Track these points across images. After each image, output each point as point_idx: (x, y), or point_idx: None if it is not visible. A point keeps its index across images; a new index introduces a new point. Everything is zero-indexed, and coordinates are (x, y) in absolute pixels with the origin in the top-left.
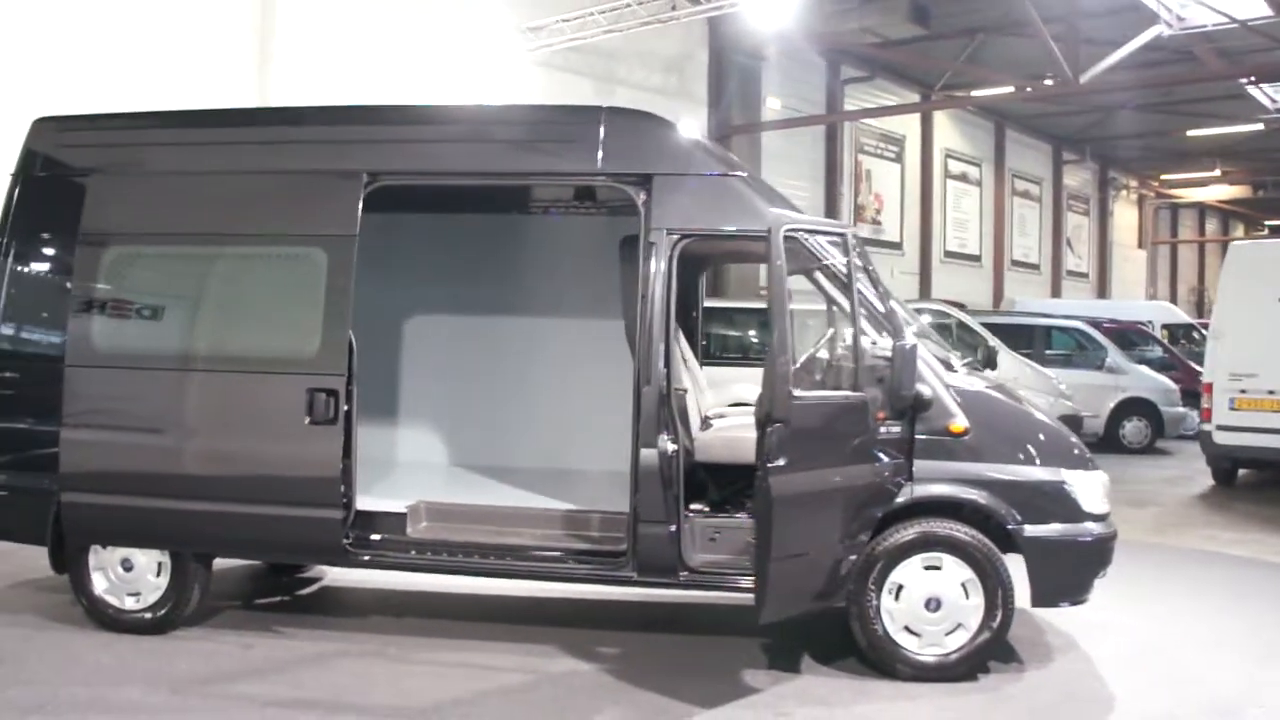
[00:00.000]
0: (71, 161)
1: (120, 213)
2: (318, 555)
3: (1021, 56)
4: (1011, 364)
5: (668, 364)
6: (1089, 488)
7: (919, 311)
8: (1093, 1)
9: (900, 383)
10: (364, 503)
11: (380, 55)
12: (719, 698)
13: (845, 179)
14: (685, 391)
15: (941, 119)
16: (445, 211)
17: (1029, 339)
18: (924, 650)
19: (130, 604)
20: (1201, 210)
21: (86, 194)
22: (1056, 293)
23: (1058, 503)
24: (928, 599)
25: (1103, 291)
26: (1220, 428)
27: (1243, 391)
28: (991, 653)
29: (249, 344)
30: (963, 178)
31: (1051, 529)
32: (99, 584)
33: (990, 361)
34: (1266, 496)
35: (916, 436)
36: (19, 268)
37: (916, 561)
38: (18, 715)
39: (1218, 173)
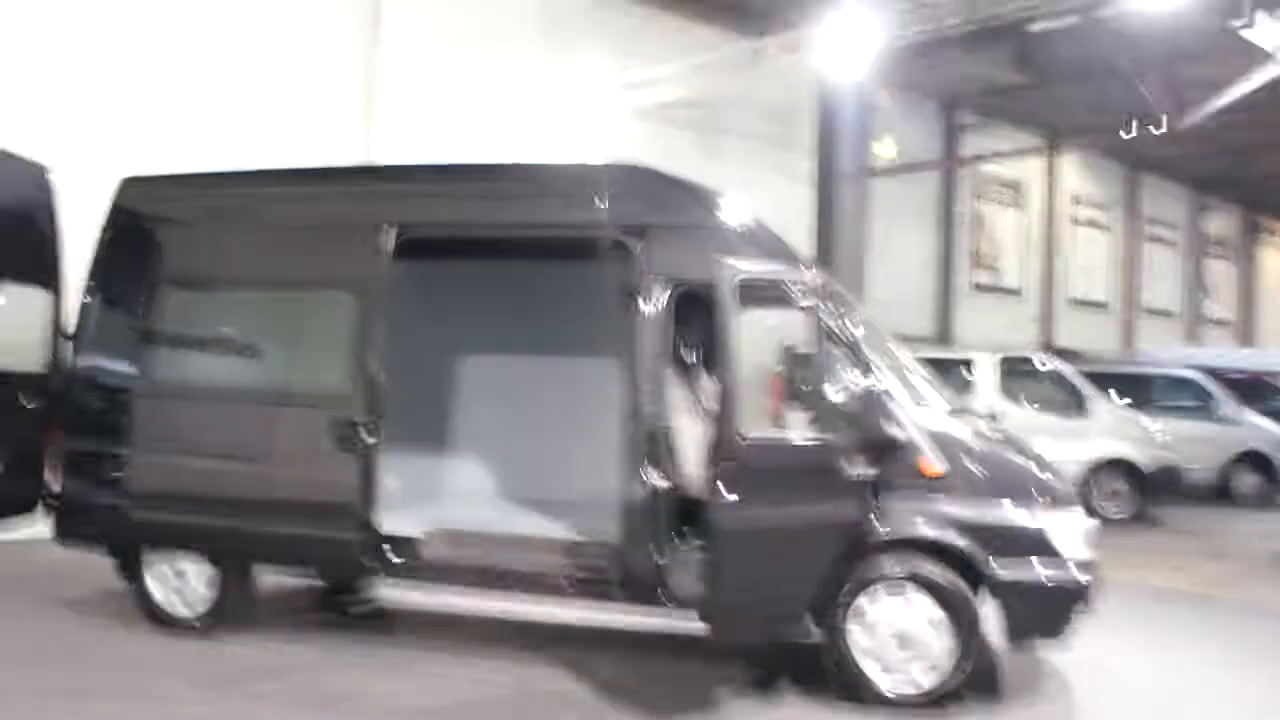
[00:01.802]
0: (150, 215)
1: (187, 261)
2: (342, 570)
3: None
4: (1106, 412)
5: (656, 402)
6: (1066, 530)
7: (1009, 360)
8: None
9: (868, 425)
10: (389, 526)
11: (480, 108)
12: (681, 716)
13: (963, 225)
14: (674, 429)
15: (1068, 164)
16: (472, 259)
17: (1138, 388)
18: (894, 686)
19: (182, 610)
20: None
21: (160, 244)
22: (1193, 340)
23: (1032, 545)
24: (898, 635)
25: (1247, 340)
26: None
27: None
28: (961, 688)
29: (290, 379)
30: (1091, 223)
31: (1025, 571)
32: (155, 590)
33: (1081, 408)
34: None
35: (890, 478)
36: (103, 307)
37: (888, 599)
38: (60, 697)
39: None
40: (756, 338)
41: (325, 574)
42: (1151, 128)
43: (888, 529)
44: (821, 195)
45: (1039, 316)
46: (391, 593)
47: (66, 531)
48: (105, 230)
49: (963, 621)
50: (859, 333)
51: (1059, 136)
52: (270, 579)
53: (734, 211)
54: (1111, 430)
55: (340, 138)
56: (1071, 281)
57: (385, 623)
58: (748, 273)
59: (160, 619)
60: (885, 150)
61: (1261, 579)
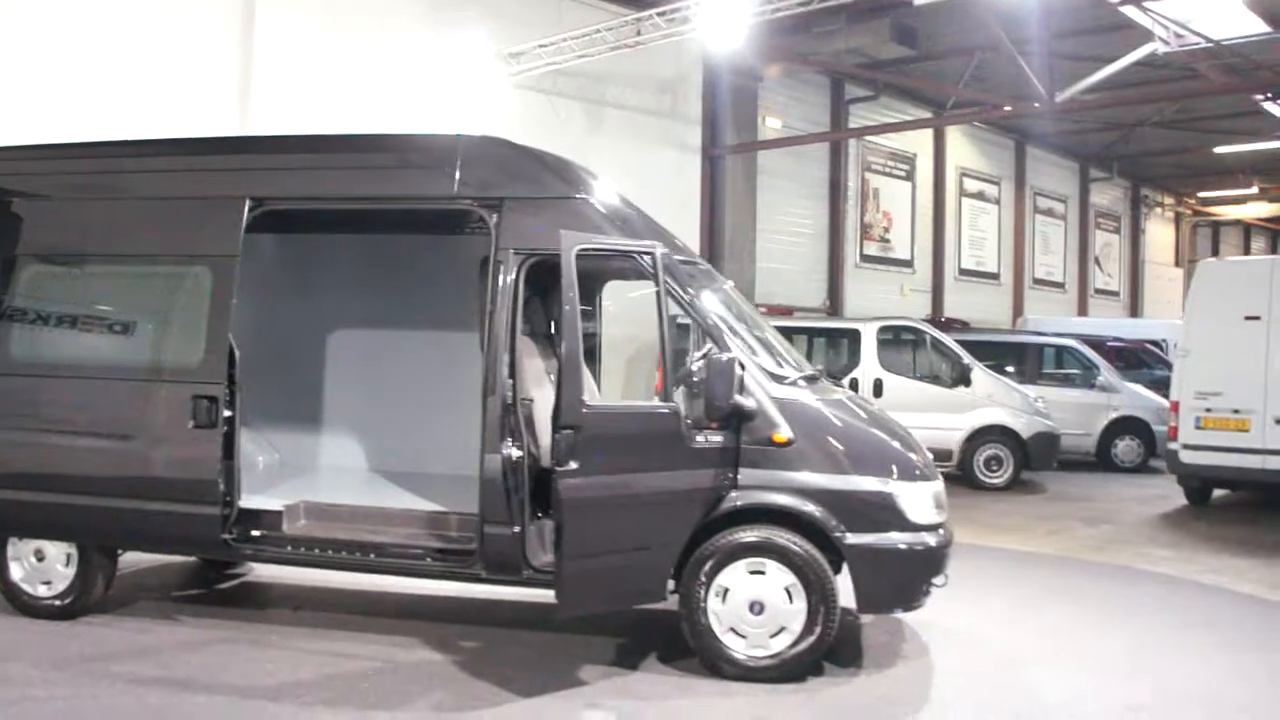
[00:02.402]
0: (3, 188)
1: (42, 234)
2: (202, 548)
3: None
4: (985, 381)
5: (512, 374)
6: (916, 498)
7: (888, 329)
8: (1082, 21)
9: (714, 393)
10: (250, 501)
11: (360, 84)
12: (542, 689)
13: (850, 197)
14: (532, 401)
15: (956, 138)
16: (330, 232)
17: (1020, 357)
18: (749, 651)
19: (43, 591)
20: (1247, 229)
21: (14, 216)
22: (1083, 311)
23: (882, 512)
24: (751, 602)
25: (1135, 310)
26: (1187, 446)
27: (1208, 410)
28: (819, 655)
29: (142, 354)
30: (980, 195)
31: (874, 537)
32: (15, 572)
33: (963, 378)
34: (1231, 517)
35: (742, 446)
36: None
37: (741, 566)
38: None
39: (1255, 190)
40: (640, 314)
41: (186, 551)
42: (1034, 103)
43: (739, 497)
44: (708, 167)
45: (929, 288)
46: (263, 569)
47: None
48: None
49: (814, 587)
50: (709, 304)
51: (945, 110)
52: (141, 557)
53: (589, 185)
54: (990, 398)
55: (215, 115)
56: (962, 253)
57: (254, 599)
58: (587, 243)
59: (21, 602)
60: (772, 123)
61: (1132, 543)
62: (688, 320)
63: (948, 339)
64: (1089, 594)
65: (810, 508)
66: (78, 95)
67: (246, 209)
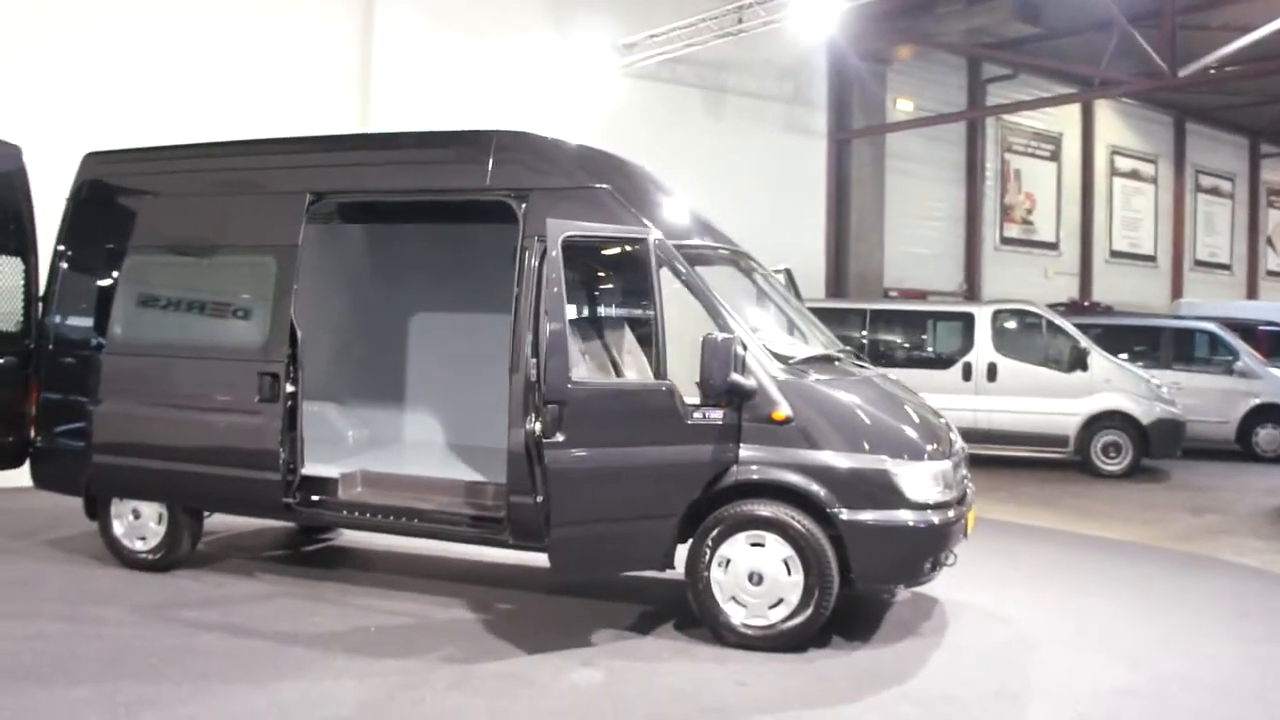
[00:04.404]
0: (108, 186)
1: (138, 228)
2: (268, 511)
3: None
4: (1103, 365)
5: (535, 353)
6: (916, 477)
7: (1003, 313)
8: None
9: (709, 372)
10: (313, 469)
11: (476, 79)
12: (548, 647)
13: (989, 179)
14: None
15: (1107, 115)
16: (392, 222)
17: (1155, 341)
18: (749, 620)
19: (139, 545)
20: None
21: (116, 212)
22: (1252, 294)
23: (879, 489)
24: (751, 573)
25: None
26: None
27: None
28: (816, 626)
29: (218, 335)
30: (1133, 174)
31: (871, 514)
32: (117, 528)
33: (1080, 362)
34: None
35: (743, 423)
36: (68, 274)
37: (742, 538)
38: (5, 619)
39: None
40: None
41: (254, 513)
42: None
43: (739, 472)
44: (834, 152)
45: (1077, 271)
46: (348, 535)
47: (40, 479)
48: (70, 201)
49: (811, 561)
50: (713, 287)
51: (1090, 88)
52: (241, 521)
53: (615, 175)
54: (1108, 383)
55: (337, 113)
56: (1114, 235)
57: (331, 561)
58: (575, 231)
59: (122, 555)
60: (904, 106)
61: (1231, 534)
62: None
63: (1065, 322)
64: (1146, 582)
65: (807, 483)
66: (208, 98)
67: (306, 202)
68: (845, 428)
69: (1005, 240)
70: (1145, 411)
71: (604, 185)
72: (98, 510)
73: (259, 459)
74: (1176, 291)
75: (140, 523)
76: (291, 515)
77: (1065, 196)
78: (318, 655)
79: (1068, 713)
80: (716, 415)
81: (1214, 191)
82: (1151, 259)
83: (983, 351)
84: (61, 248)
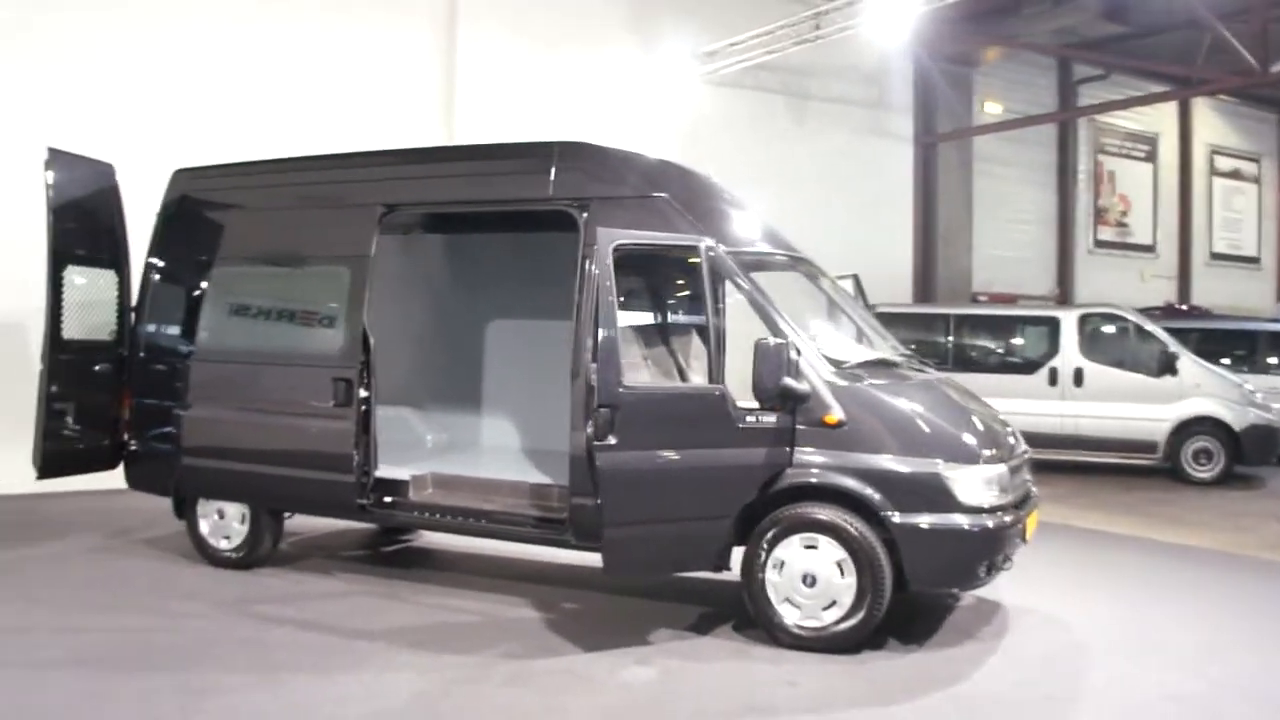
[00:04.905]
0: (195, 201)
1: (222, 240)
2: (343, 512)
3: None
4: (1193, 369)
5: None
6: (969, 481)
7: (1090, 316)
8: None
9: (761, 376)
10: (386, 471)
11: (558, 90)
12: (606, 645)
13: (1081, 181)
14: None
15: (1205, 115)
16: (471, 233)
17: (1252, 345)
18: (803, 621)
19: (223, 544)
20: None
21: (202, 226)
22: None
23: (931, 493)
24: (805, 575)
25: None
26: None
27: None
28: (870, 628)
29: (297, 342)
30: (1235, 174)
31: (923, 517)
32: (203, 528)
33: (1169, 367)
34: None
35: (797, 427)
36: (158, 285)
37: (796, 540)
38: (92, 609)
39: None
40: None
41: (330, 514)
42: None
43: (793, 475)
44: (920, 155)
45: (1175, 273)
46: (428, 537)
47: (133, 480)
48: (160, 215)
49: (864, 564)
50: (769, 294)
51: (1185, 86)
52: (325, 523)
53: (673, 184)
54: (1198, 388)
55: (422, 126)
56: (1214, 236)
57: (408, 561)
58: (626, 239)
59: (207, 553)
60: (992, 108)
61: None
62: None
63: (1153, 326)
64: (1222, 589)
65: (860, 487)
66: (295, 113)
67: (379, 214)
68: (899, 431)
69: (1099, 243)
70: (1238, 417)
71: (662, 194)
72: (185, 511)
73: (334, 461)
74: None
75: (224, 522)
76: (366, 516)
77: (1162, 198)
78: (382, 649)
79: (1114, 717)
80: (770, 419)
81: None
82: (1255, 261)
83: (1069, 356)
84: (152, 260)
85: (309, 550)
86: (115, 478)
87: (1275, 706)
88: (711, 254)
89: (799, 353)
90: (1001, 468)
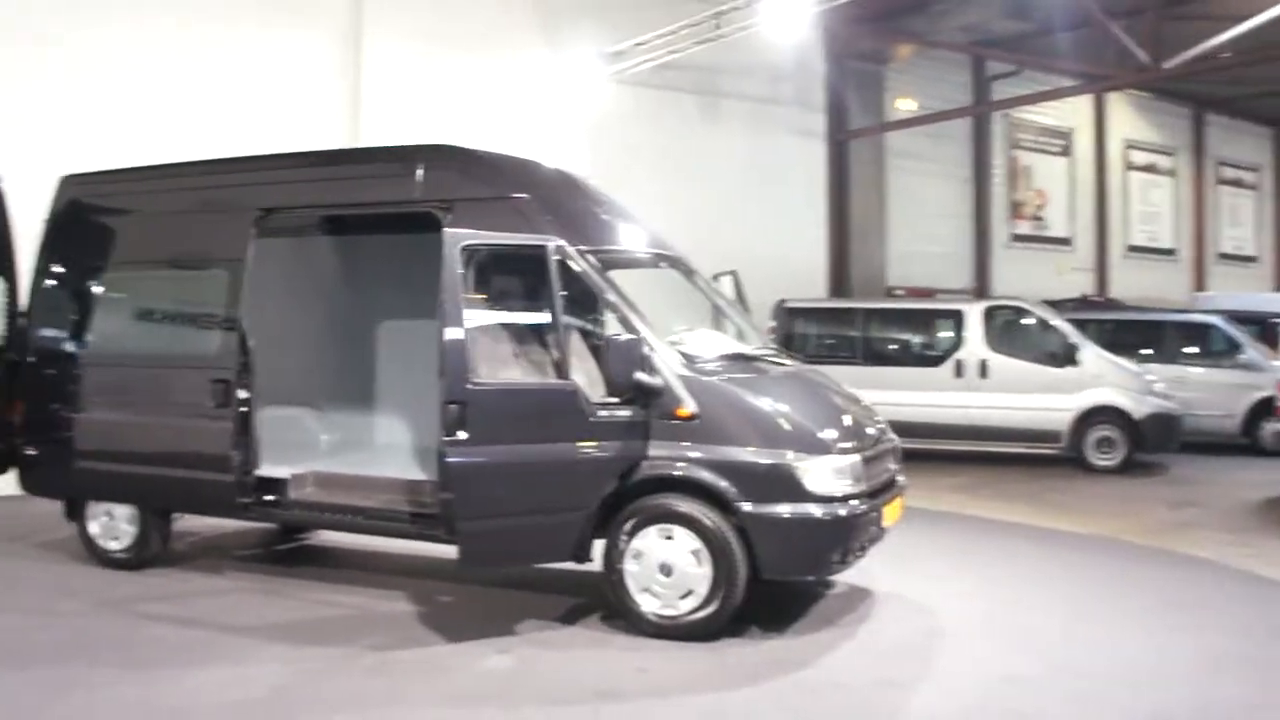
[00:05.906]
0: (81, 206)
1: (108, 245)
2: (225, 510)
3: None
4: (1094, 360)
5: None
6: (818, 471)
7: (994, 309)
8: None
9: (614, 371)
10: (267, 470)
11: (466, 94)
12: (470, 636)
13: (997, 176)
14: None
15: (1120, 109)
16: (351, 235)
17: (1158, 335)
18: (662, 610)
19: (113, 545)
20: None
21: (88, 231)
22: None
23: (782, 483)
24: (662, 565)
25: None
26: None
27: None
28: (725, 616)
29: (176, 345)
30: (1150, 168)
31: (774, 507)
32: (93, 529)
33: (1071, 358)
34: None
35: (652, 421)
36: (47, 291)
37: (653, 531)
38: None
39: None
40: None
41: (213, 513)
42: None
43: (648, 467)
44: (834, 153)
45: (1092, 266)
46: (324, 535)
47: (27, 484)
48: (49, 221)
49: (718, 553)
50: (625, 292)
51: (1090, 82)
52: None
53: (535, 185)
54: (1098, 378)
55: (328, 131)
56: (1131, 229)
57: (299, 559)
58: (472, 240)
59: (97, 554)
60: (906, 105)
61: (1202, 528)
62: None
63: (1057, 318)
64: (1092, 574)
65: (713, 478)
66: (197, 118)
67: (253, 217)
68: (749, 423)
69: (1016, 237)
70: (1138, 406)
71: (524, 195)
72: (76, 513)
73: (215, 462)
74: (1199, 285)
75: (113, 524)
76: (248, 514)
77: (1079, 192)
78: (254, 644)
79: (949, 699)
80: (624, 413)
81: (1237, 183)
82: (1171, 253)
83: (974, 348)
84: (41, 265)
85: (204, 549)
86: (8, 483)
87: (1104, 682)
88: (560, 254)
89: (651, 348)
90: (855, 458)
